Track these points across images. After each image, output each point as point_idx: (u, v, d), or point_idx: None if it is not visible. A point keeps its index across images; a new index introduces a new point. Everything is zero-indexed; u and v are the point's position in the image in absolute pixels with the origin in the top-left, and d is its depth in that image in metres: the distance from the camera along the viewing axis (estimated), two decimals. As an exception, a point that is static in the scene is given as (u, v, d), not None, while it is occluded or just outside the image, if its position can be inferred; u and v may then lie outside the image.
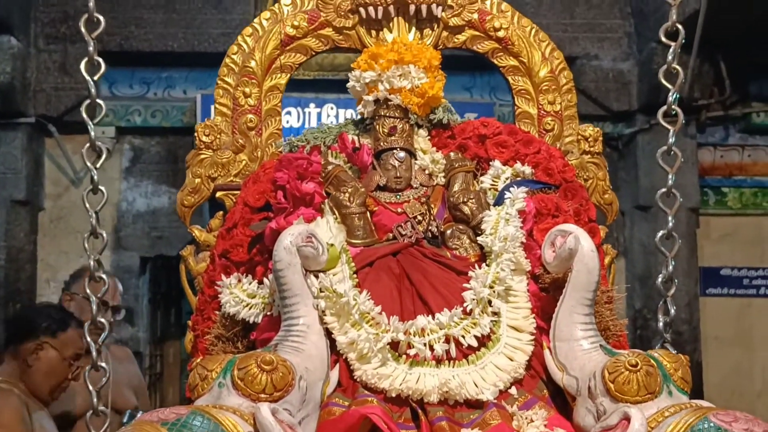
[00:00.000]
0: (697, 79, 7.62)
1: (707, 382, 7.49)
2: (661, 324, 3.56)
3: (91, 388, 3.46)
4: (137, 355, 7.81)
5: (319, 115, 7.68)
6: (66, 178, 7.80)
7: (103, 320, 3.53)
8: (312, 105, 7.74)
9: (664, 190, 3.57)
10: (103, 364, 3.50)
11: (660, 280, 3.60)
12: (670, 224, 3.58)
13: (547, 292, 2.79)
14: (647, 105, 7.61)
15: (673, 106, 3.44)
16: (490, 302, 2.67)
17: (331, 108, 7.71)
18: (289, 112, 7.47)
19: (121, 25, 7.56)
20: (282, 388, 2.38)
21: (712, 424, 2.32)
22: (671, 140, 3.50)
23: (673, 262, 3.60)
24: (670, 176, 3.55)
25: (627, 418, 2.36)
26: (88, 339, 3.55)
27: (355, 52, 3.24)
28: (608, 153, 7.49)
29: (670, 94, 3.46)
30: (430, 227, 2.87)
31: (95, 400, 3.44)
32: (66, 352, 4.12)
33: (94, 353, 3.47)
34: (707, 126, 8.03)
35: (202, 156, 3.17)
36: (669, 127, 3.48)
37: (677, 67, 3.41)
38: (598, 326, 2.70)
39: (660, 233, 3.61)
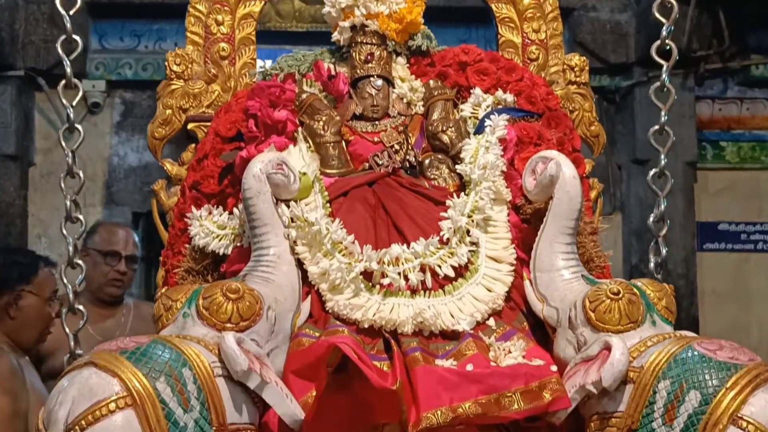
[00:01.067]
0: (695, 31, 7.49)
1: (703, 336, 7.42)
2: (652, 265, 3.51)
3: (67, 330, 3.41)
4: (131, 312, 7.79)
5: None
6: (56, 133, 7.65)
7: (79, 262, 3.47)
8: (288, 57, 7.61)
9: (656, 127, 3.50)
10: (80, 307, 3.44)
11: (652, 219, 3.55)
12: (662, 162, 3.52)
13: (528, 223, 2.72)
14: (645, 57, 7.46)
15: (666, 41, 3.36)
16: (468, 232, 2.59)
17: (324, 60, 7.59)
18: (264, 65, 7.36)
19: (111, -24, 7.45)
20: (248, 318, 2.31)
21: (696, 353, 2.26)
22: (664, 76, 3.42)
23: (665, 202, 3.54)
24: (662, 113, 3.48)
25: (608, 348, 2.29)
26: (65, 281, 3.49)
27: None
28: (605, 107, 7.38)
29: (664, 28, 3.37)
30: (407, 157, 2.78)
31: (72, 343, 3.38)
32: (44, 294, 4.03)
33: (71, 295, 3.41)
34: (705, 79, 7.90)
35: (173, 86, 3.08)
36: (662, 62, 3.40)
37: (672, 0, 3.31)
38: (581, 258, 2.63)
39: (652, 171, 3.55)
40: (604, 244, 2.88)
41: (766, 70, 7.92)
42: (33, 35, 7.42)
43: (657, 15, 3.40)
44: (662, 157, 3.50)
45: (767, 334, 7.80)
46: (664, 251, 3.50)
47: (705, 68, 7.79)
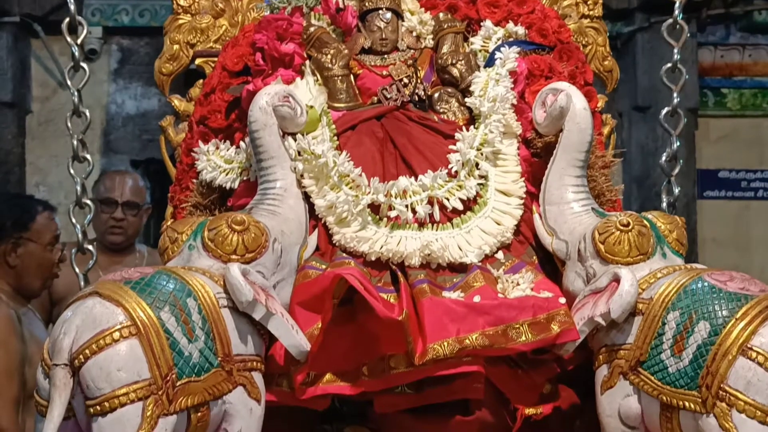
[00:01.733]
0: (698, -25, 7.43)
1: (704, 285, 7.42)
2: (664, 204, 3.49)
3: (77, 270, 3.40)
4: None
5: None
6: (53, 80, 7.62)
7: (88, 201, 3.45)
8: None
9: (669, 65, 3.48)
10: (90, 247, 3.43)
11: (664, 158, 3.53)
12: (675, 101, 3.48)
13: (539, 157, 2.68)
14: (647, 2, 7.41)
15: None
16: (477, 165, 2.56)
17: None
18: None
19: None
20: (254, 250, 2.28)
21: (706, 284, 2.24)
22: (677, 12, 3.38)
23: (677, 141, 3.52)
24: (675, 51, 3.45)
25: (617, 280, 2.28)
26: (73, 221, 3.47)
27: None
28: (606, 53, 7.36)
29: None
30: (416, 90, 2.73)
31: (82, 283, 3.37)
32: (44, 240, 3.98)
33: (79, 235, 3.40)
34: (707, 25, 7.83)
35: (180, 21, 3.04)
36: None
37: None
38: (591, 192, 2.60)
39: (665, 110, 3.54)
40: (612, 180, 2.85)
41: (769, 16, 7.87)
42: (28, -21, 7.36)
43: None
44: (675, 95, 3.47)
45: (767, 281, 7.83)
46: (676, 191, 3.48)
47: (707, 14, 7.73)
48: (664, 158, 3.55)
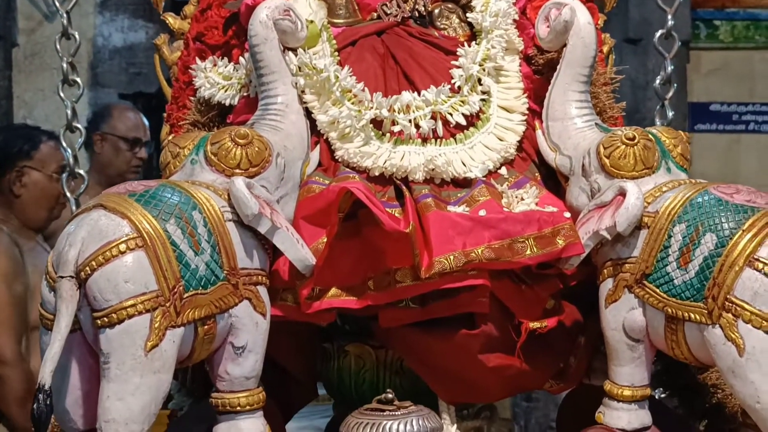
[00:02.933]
0: None
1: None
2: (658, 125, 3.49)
3: (68, 194, 3.38)
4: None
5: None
6: (39, 13, 7.54)
7: (78, 125, 3.43)
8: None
9: None
10: (82, 172, 3.41)
11: (658, 82, 3.53)
12: (670, 23, 3.48)
13: (540, 74, 2.65)
14: (638, -69, 7.36)
15: None
16: (479, 81, 2.54)
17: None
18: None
19: None
20: (258, 164, 2.26)
21: (712, 197, 2.24)
22: None
23: (671, 66, 3.52)
24: None
25: (622, 193, 2.27)
26: (65, 144, 3.44)
27: None
28: (597, -14, 7.31)
29: None
30: (416, 6, 2.67)
31: (74, 207, 3.35)
32: (48, 169, 3.96)
33: (70, 160, 3.37)
34: (700, -45, 7.79)
35: (176, -70, 2.98)
36: None
37: None
38: (594, 108, 2.58)
39: (658, 33, 3.52)
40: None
41: (763, -53, 7.82)
42: None
43: None
44: (669, 17, 3.46)
45: (756, 215, 7.87)
46: (670, 114, 3.48)
47: (700, -55, 7.68)
48: (658, 81, 3.55)
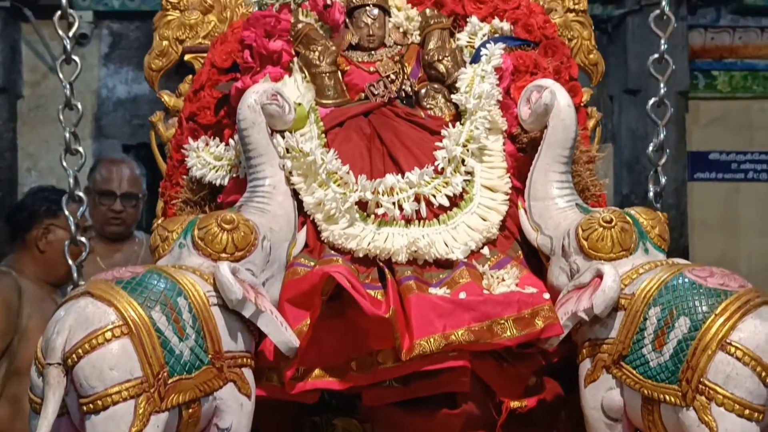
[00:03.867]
0: (688, -43, 7.44)
1: (693, 267, 7.47)
2: (651, 194, 3.53)
3: (70, 261, 3.43)
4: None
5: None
6: (44, 65, 7.63)
7: (81, 194, 3.48)
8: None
9: (656, 56, 3.50)
10: (83, 239, 3.45)
11: (651, 149, 3.56)
12: (662, 91, 3.52)
13: (524, 152, 2.71)
14: (638, -14, 7.44)
15: None
16: (463, 161, 2.60)
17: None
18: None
19: None
20: (243, 248, 2.32)
21: (686, 280, 2.28)
22: (664, 3, 3.41)
23: (664, 131, 3.56)
24: (662, 41, 3.47)
25: (600, 275, 2.32)
26: (66, 213, 3.50)
27: None
28: (597, 36, 7.33)
29: (663, -43, 3.35)
30: (403, 87, 2.76)
31: (75, 275, 3.40)
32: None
33: (72, 228, 3.42)
34: (698, 7, 7.85)
35: (169, 17, 3.07)
36: None
37: None
38: (576, 186, 2.64)
39: (651, 101, 3.55)
40: (597, 174, 2.89)
41: (760, -2, 7.87)
42: (18, -35, 7.34)
43: (655, -56, 3.38)
44: (662, 86, 3.50)
45: (756, 264, 7.86)
46: (663, 180, 3.52)
47: (698, -4, 7.75)
48: (651, 148, 3.59)
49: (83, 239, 3.48)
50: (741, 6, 7.90)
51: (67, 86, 3.43)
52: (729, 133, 8.04)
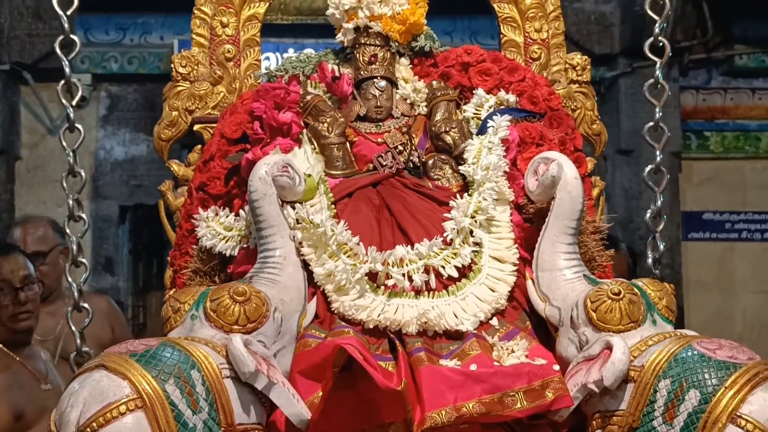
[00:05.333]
0: (679, 21, 7.55)
1: (688, 326, 7.46)
2: (650, 260, 3.57)
3: (74, 328, 3.44)
4: (118, 306, 7.76)
5: (298, 60, 7.59)
6: (42, 127, 7.70)
7: (83, 260, 3.50)
8: (291, 50, 7.64)
9: (651, 124, 3.56)
10: (86, 305, 3.46)
11: (649, 215, 3.60)
12: (658, 158, 3.57)
13: (531, 222, 2.74)
14: (629, 48, 7.54)
15: (660, 38, 3.41)
16: (471, 232, 2.62)
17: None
18: (267, 57, 7.35)
19: (96, -32, 7.43)
20: (255, 320, 2.34)
21: (695, 352, 2.30)
22: (658, 72, 3.48)
23: (661, 197, 3.61)
24: (657, 109, 3.54)
25: (609, 347, 2.33)
26: (69, 280, 3.50)
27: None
28: (590, 97, 7.45)
29: (657, 25, 3.44)
30: (411, 157, 2.79)
31: (78, 341, 3.42)
32: (12, 283, 3.91)
33: (75, 294, 3.44)
34: (689, 69, 7.97)
35: (179, 88, 3.09)
36: (656, 59, 3.46)
37: (665, -2, 3.38)
38: (583, 257, 2.66)
39: (648, 168, 3.61)
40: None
41: (750, 60, 7.99)
42: (18, 29, 7.43)
43: (649, 12, 3.46)
44: (658, 153, 3.55)
45: (751, 322, 7.90)
46: (661, 246, 3.56)
47: (689, 58, 7.85)
48: (648, 214, 3.63)
49: (86, 305, 3.49)
50: (732, 67, 8.01)
51: (71, 154, 3.47)
52: (722, 192, 8.12)
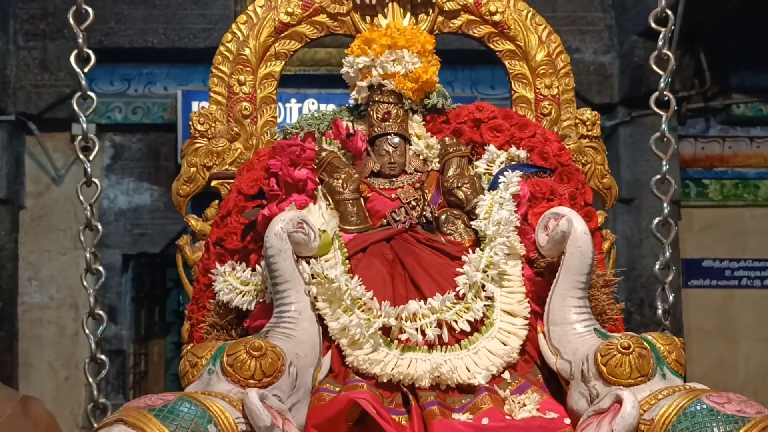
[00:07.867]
0: (677, 71, 7.61)
1: (691, 374, 7.46)
2: (660, 311, 3.60)
3: (90, 380, 3.47)
4: (120, 354, 7.79)
5: (300, 110, 7.68)
6: (47, 176, 7.76)
7: (101, 312, 3.53)
8: (293, 100, 7.74)
9: (658, 177, 3.61)
10: (102, 357, 3.49)
11: (657, 267, 3.64)
12: (666, 210, 3.62)
13: (542, 276, 2.78)
14: (628, 98, 7.63)
15: (665, 92, 3.48)
16: (483, 287, 2.67)
17: (312, 103, 7.70)
18: (270, 107, 7.43)
19: (101, 20, 7.49)
20: (271, 374, 2.37)
21: (704, 406, 2.32)
22: (664, 126, 3.54)
23: (669, 249, 3.64)
24: (664, 162, 3.59)
25: (619, 401, 2.36)
26: (86, 331, 3.54)
27: (349, 38, 3.21)
28: (590, 146, 7.51)
29: (662, 80, 3.49)
30: (424, 213, 2.85)
31: (95, 392, 3.44)
32: None
33: (92, 345, 3.47)
34: (688, 118, 8.05)
35: (197, 145, 3.16)
36: (661, 113, 3.52)
37: (668, 52, 3.44)
38: (594, 310, 2.69)
39: (656, 220, 3.66)
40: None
41: (748, 109, 8.07)
42: (24, 80, 7.51)
43: (654, 67, 3.53)
44: (665, 205, 3.60)
45: (754, 370, 7.91)
46: (671, 297, 3.59)
47: (687, 108, 7.94)
48: (657, 266, 3.67)
49: (102, 357, 3.52)
50: (730, 116, 8.09)
51: (88, 208, 3.52)
52: (722, 240, 8.16)
